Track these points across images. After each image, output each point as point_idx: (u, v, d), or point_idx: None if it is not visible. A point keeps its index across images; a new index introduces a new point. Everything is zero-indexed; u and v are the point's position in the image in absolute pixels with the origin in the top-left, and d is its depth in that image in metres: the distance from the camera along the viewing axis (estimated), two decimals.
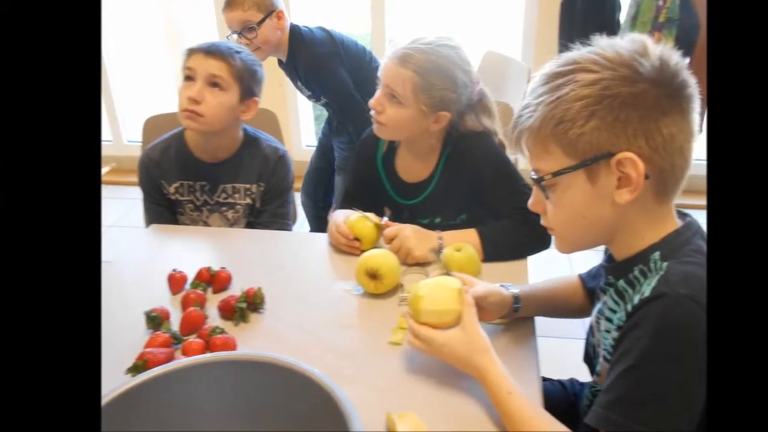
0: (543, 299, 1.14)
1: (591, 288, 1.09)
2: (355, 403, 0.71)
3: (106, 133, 3.79)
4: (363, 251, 1.32)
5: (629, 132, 0.79)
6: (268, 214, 1.63)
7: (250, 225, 1.65)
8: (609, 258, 0.96)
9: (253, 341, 1.12)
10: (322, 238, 1.48)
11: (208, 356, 0.82)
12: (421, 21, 4.90)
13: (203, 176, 1.61)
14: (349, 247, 1.39)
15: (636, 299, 0.81)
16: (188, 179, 1.61)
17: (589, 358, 1.03)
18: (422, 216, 1.51)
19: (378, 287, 1.23)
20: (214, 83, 1.49)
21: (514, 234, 1.35)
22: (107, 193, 3.34)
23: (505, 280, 1.13)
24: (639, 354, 0.77)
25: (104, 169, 3.40)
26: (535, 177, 0.89)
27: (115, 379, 0.78)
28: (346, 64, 2.18)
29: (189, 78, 1.50)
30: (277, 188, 1.63)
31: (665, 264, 0.81)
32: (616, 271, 0.91)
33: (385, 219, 1.43)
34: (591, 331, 1.02)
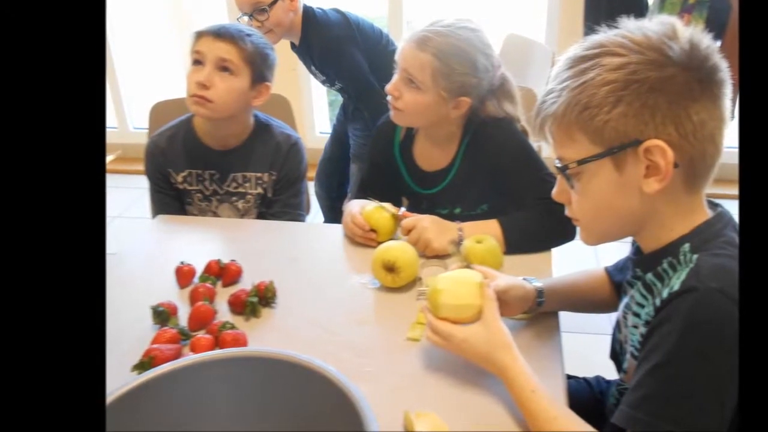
0: (567, 293, 1.13)
1: (618, 281, 1.08)
2: (371, 402, 0.70)
3: (110, 119, 3.78)
4: (379, 243, 1.30)
5: (657, 119, 0.78)
6: (280, 204, 1.62)
7: (261, 215, 1.64)
8: (636, 250, 0.95)
9: (264, 337, 1.11)
10: (336, 229, 1.47)
11: (218, 353, 0.82)
12: (439, 2, 4.86)
13: (212, 165, 1.59)
14: (364, 238, 1.38)
15: (665, 293, 0.80)
16: (197, 168, 1.60)
17: (616, 355, 1.02)
18: (441, 206, 1.49)
19: (395, 281, 1.21)
20: (223, 67, 1.47)
21: (538, 225, 1.33)
22: (112, 183, 3.37)
23: (528, 273, 1.11)
24: (668, 351, 0.75)
25: (109, 158, 3.41)
26: (559, 165, 0.88)
27: (120, 377, 0.78)
28: (361, 47, 2.16)
29: (197, 62, 1.48)
30: (290, 177, 1.61)
31: (695, 256, 0.80)
32: (644, 263, 0.90)
33: (403, 209, 1.41)
34: (618, 327, 1.00)
